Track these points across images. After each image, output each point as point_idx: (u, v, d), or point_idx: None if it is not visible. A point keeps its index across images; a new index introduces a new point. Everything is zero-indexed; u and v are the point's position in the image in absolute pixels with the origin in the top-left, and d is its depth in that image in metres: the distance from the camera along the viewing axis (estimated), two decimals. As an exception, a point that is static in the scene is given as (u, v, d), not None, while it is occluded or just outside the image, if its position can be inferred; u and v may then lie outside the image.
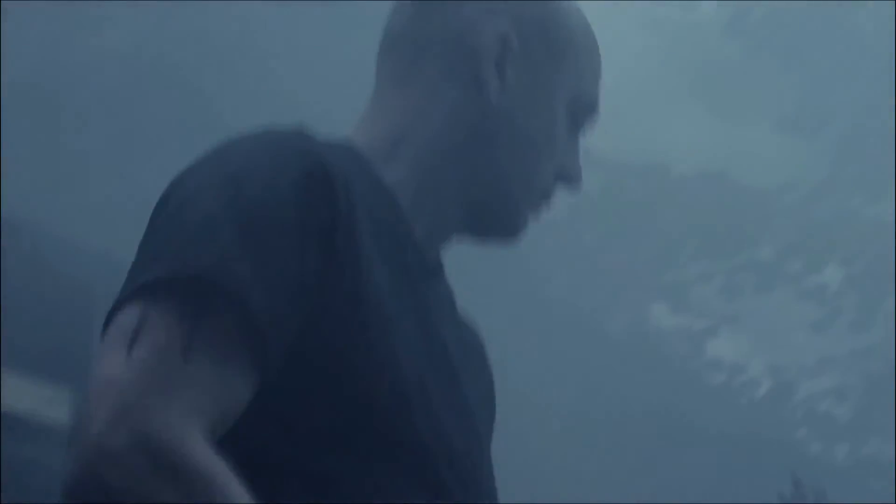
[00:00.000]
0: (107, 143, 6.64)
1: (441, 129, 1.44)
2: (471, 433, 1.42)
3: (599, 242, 10.79)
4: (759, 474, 8.91)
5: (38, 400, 5.49)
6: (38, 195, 5.97)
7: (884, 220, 11.49)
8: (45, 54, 6.45)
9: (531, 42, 1.45)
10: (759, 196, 11.25)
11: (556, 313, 9.65)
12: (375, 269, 1.35)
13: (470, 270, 9.11)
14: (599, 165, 11.22)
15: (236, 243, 1.25)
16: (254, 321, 1.24)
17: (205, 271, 1.24)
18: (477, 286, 9.30)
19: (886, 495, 9.86)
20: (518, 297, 9.42)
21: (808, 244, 11.32)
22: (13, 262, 5.61)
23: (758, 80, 11.81)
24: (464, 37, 1.44)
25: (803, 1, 12.06)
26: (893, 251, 11.22)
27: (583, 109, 1.49)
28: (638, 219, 10.98)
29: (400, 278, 1.40)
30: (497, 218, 1.49)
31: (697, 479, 9.36)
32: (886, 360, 11.41)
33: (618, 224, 10.92)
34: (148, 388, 1.21)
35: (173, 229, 1.28)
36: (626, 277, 10.66)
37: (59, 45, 6.52)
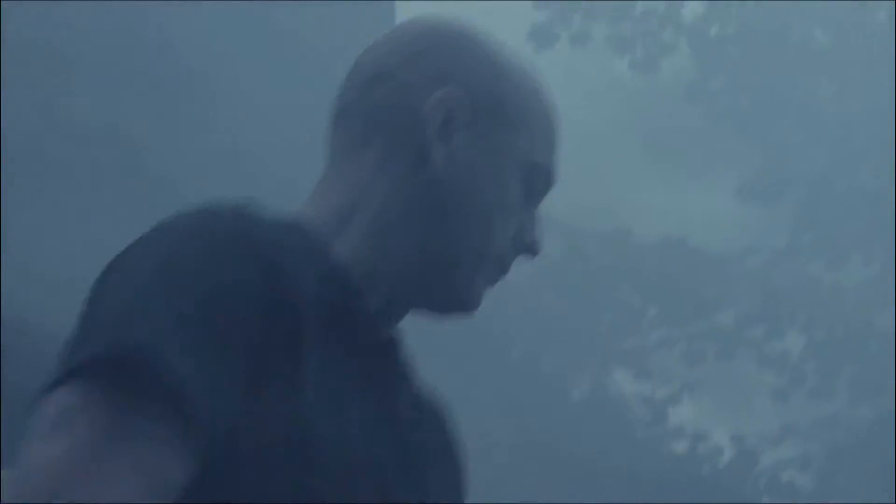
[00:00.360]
0: (110, 236, 6.58)
1: (388, 202, 1.40)
2: None
3: (561, 308, 10.79)
4: (724, 540, 8.82)
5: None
6: (40, 295, 5.92)
7: (843, 287, 11.54)
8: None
9: (481, 108, 1.41)
10: (719, 262, 11.29)
11: (519, 377, 9.59)
12: (318, 352, 1.32)
13: (433, 333, 9.07)
14: (561, 231, 11.25)
15: (167, 326, 1.22)
16: (186, 405, 1.19)
17: (134, 353, 1.20)
18: (441, 349, 9.28)
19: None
20: (481, 360, 9.36)
21: (769, 310, 11.33)
22: (15, 360, 5.54)
23: (717, 147, 11.89)
24: (409, 105, 1.40)
25: (762, 71, 12.18)
26: (853, 318, 11.25)
27: (538, 177, 1.43)
28: (599, 284, 10.98)
29: (349, 358, 1.35)
30: (449, 291, 1.44)
31: (662, 546, 9.28)
32: (848, 429, 11.40)
33: (580, 289, 10.93)
34: (72, 476, 1.18)
35: (105, 311, 1.25)
36: (588, 343, 10.63)
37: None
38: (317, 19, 9.39)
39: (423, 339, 9.05)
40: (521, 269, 11.06)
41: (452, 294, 1.42)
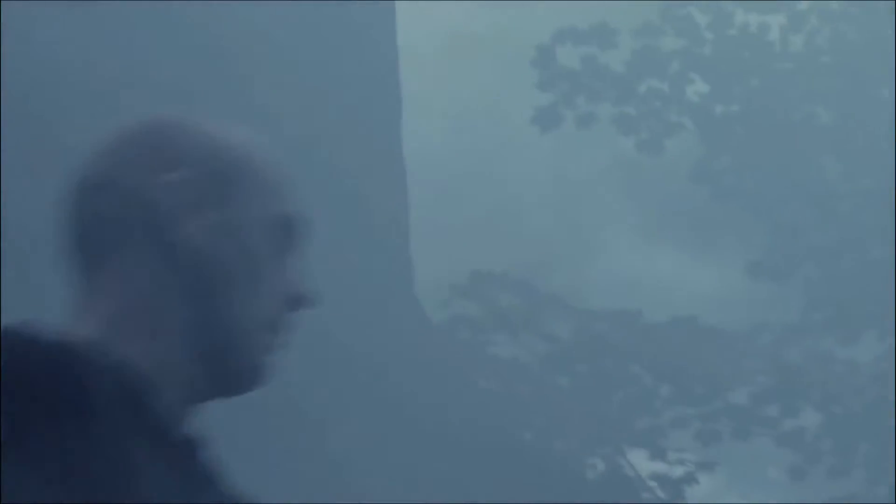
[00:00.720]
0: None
1: (148, 301, 1.39)
2: None
3: (573, 388, 10.71)
4: None
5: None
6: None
7: (858, 362, 11.45)
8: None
9: (206, 186, 1.41)
10: (730, 339, 11.21)
11: (532, 459, 9.48)
12: (113, 462, 1.30)
13: (441, 417, 8.99)
14: (569, 312, 11.20)
15: None
16: None
17: None
18: (451, 434, 9.19)
19: None
20: (491, 444, 9.26)
21: (783, 388, 11.23)
22: None
23: (725, 224, 11.86)
24: (140, 201, 1.40)
25: (767, 149, 12.20)
26: (868, 394, 11.15)
27: (283, 228, 1.43)
28: (610, 364, 10.91)
29: (146, 465, 1.32)
30: (232, 370, 1.43)
31: None
32: (867, 507, 11.25)
33: (590, 370, 10.85)
34: None
35: None
36: (600, 423, 10.54)
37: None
38: (314, 20, 9.42)
39: (435, 424, 8.97)
40: (530, 351, 10.99)
41: (236, 373, 1.41)
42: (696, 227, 11.70)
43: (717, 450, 11.18)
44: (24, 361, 1.27)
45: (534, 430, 10.25)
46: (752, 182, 12.28)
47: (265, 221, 1.41)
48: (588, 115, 12.21)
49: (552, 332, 11.05)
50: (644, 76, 12.36)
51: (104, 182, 1.40)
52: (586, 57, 12.21)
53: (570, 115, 12.16)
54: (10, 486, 1.20)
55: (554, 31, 12.14)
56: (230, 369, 1.39)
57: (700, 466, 11.01)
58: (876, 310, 11.77)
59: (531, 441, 10.07)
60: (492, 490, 8.68)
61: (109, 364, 1.34)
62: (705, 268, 11.36)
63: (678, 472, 10.85)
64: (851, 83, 12.38)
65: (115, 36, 7.55)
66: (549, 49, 12.21)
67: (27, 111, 6.72)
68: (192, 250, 1.37)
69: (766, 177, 12.26)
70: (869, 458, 11.45)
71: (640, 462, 10.74)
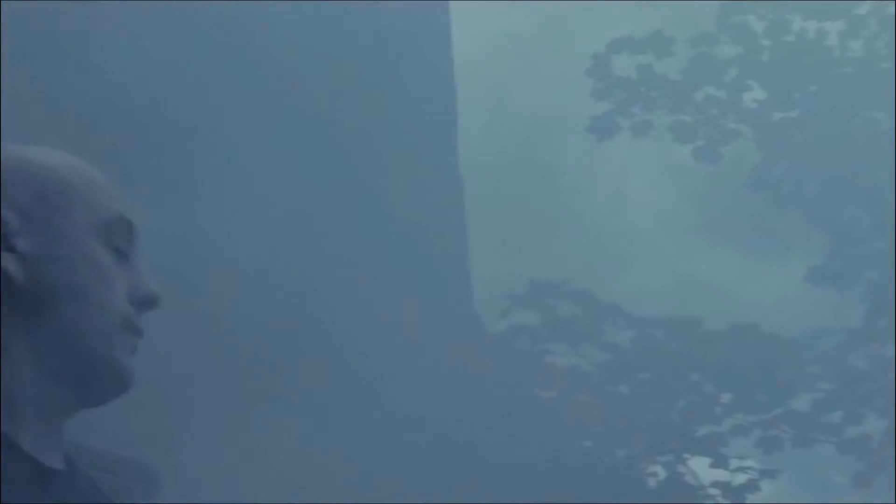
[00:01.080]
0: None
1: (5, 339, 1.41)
2: None
3: (633, 397, 10.67)
4: None
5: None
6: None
7: (921, 368, 11.31)
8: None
9: (27, 205, 1.42)
10: (791, 346, 11.13)
11: (593, 467, 9.47)
12: None
13: (510, 421, 8.97)
14: (628, 320, 11.16)
15: None
16: None
17: None
18: (515, 440, 9.19)
19: None
20: (554, 451, 9.26)
21: (846, 394, 11.13)
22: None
23: (784, 231, 11.78)
24: None
25: (826, 155, 12.11)
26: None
27: (114, 232, 1.45)
28: (670, 372, 10.86)
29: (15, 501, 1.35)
30: (90, 378, 1.43)
31: None
32: (933, 514, 11.12)
33: (650, 378, 10.81)
34: None
35: None
36: (661, 431, 10.49)
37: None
38: (370, 20, 9.45)
39: (495, 434, 8.97)
40: (590, 359, 10.97)
41: (98, 379, 1.42)
42: (755, 234, 11.61)
43: (779, 457, 11.10)
44: None
45: (594, 439, 10.23)
46: (812, 188, 12.20)
47: (94, 228, 1.43)
48: (644, 124, 12.20)
49: (612, 341, 11.02)
50: (701, 84, 12.33)
51: None
52: (642, 65, 12.20)
53: (626, 123, 12.16)
54: None
55: (609, 40, 12.15)
56: (91, 377, 1.41)
57: (762, 474, 10.95)
58: (939, 315, 11.64)
59: (592, 449, 10.06)
60: (554, 498, 8.67)
61: None
62: (765, 274, 11.29)
63: (740, 479, 10.79)
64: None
65: (168, 44, 7.62)
66: (605, 58, 12.22)
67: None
68: (28, 274, 1.39)
69: (826, 183, 12.17)
70: (934, 464, 11.32)
71: (702, 470, 10.69)
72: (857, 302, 11.70)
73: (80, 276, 1.42)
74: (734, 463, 10.80)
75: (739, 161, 12.09)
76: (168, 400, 6.80)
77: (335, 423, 7.83)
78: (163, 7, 7.52)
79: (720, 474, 10.74)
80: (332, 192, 8.64)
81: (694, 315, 11.13)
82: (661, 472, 10.37)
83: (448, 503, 7.89)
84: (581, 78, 12.26)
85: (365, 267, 8.69)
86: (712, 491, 10.68)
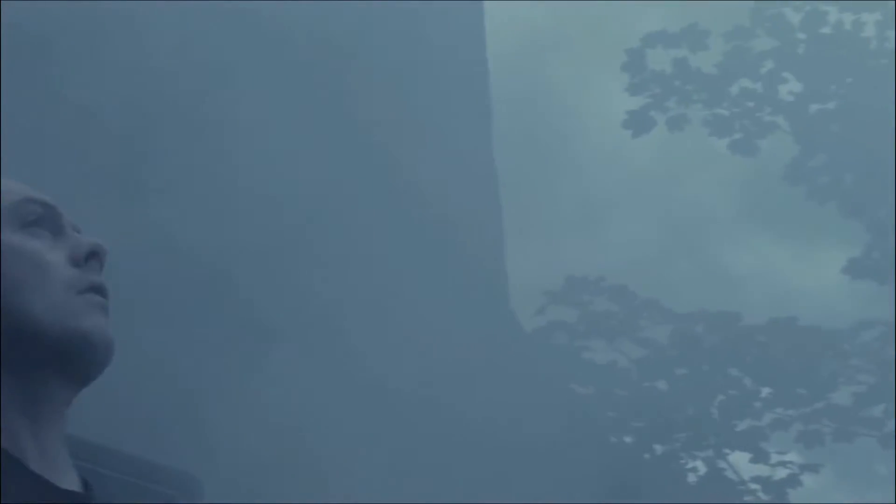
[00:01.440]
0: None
1: None
2: None
3: (672, 392, 10.64)
4: None
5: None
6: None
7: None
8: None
9: None
10: (832, 338, 11.06)
11: (631, 462, 9.43)
12: None
13: (547, 417, 8.95)
14: (666, 315, 11.13)
15: None
16: None
17: None
18: (553, 436, 9.16)
19: None
20: (592, 447, 9.22)
21: (887, 386, 11.05)
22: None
23: (821, 223, 11.71)
24: None
25: (863, 147, 12.03)
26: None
27: (23, 212, 1.45)
28: (709, 367, 10.82)
29: None
30: (65, 354, 1.42)
31: None
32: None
33: (690, 374, 10.77)
34: None
35: None
36: (701, 426, 10.45)
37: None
38: (405, 20, 9.46)
39: (532, 431, 8.95)
40: (627, 355, 10.93)
41: (71, 354, 1.41)
42: (792, 227, 11.54)
43: (821, 451, 11.03)
44: None
45: (634, 434, 10.20)
46: (849, 180, 12.12)
47: (7, 213, 1.44)
48: (680, 118, 12.17)
49: (649, 337, 10.99)
50: (736, 77, 12.28)
51: None
52: (677, 59, 12.17)
53: (661, 118, 12.13)
54: None
55: (643, 34, 12.12)
56: (61, 354, 1.40)
57: (803, 468, 10.88)
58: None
59: (631, 445, 10.03)
60: (593, 494, 8.64)
61: None
62: (803, 267, 11.19)
63: (781, 474, 10.73)
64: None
65: (203, 44, 7.64)
66: (639, 53, 12.19)
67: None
68: None
69: (863, 175, 12.09)
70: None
71: (742, 464, 10.64)
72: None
73: (5, 267, 1.41)
74: (775, 457, 10.74)
75: (776, 154, 12.02)
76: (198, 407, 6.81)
77: (373, 421, 7.83)
78: (197, 6, 7.54)
79: (761, 469, 10.69)
80: (368, 190, 8.65)
81: (732, 310, 11.09)
82: (701, 468, 10.32)
83: (485, 502, 7.88)
84: (616, 73, 12.23)
85: (401, 265, 8.69)
86: (753, 486, 10.62)
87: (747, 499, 10.34)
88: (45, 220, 1.47)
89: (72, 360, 1.42)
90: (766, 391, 11.01)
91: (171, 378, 6.40)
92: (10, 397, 1.40)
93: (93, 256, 1.46)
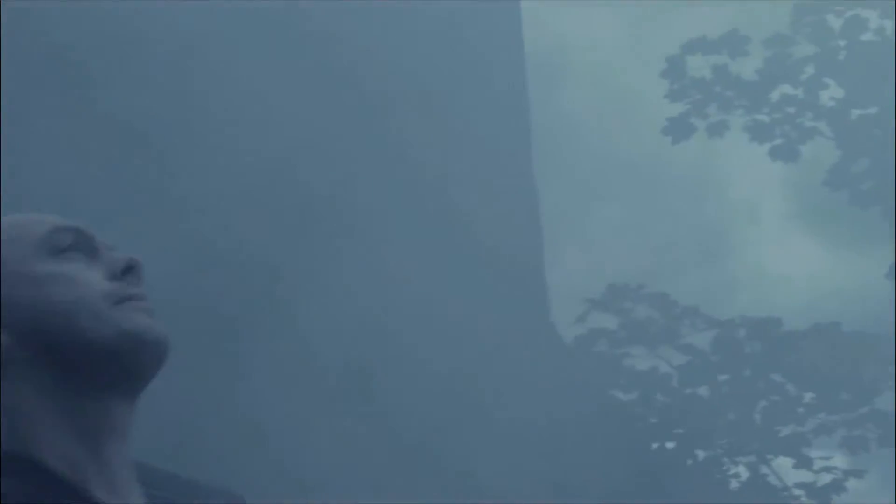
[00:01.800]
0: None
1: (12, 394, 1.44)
2: None
3: (714, 398, 10.64)
4: None
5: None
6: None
7: None
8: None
9: None
10: (874, 343, 11.03)
11: (674, 468, 9.44)
12: None
13: (589, 425, 8.99)
14: (707, 322, 11.13)
15: None
16: None
17: None
18: (596, 443, 9.20)
19: None
20: (635, 454, 9.25)
21: (931, 392, 11.01)
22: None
23: (863, 227, 11.68)
24: None
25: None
26: None
27: (57, 241, 1.50)
28: (751, 373, 10.82)
29: None
30: (131, 354, 1.45)
31: None
32: None
33: (732, 380, 10.78)
34: None
35: None
36: (743, 431, 10.45)
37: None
38: (441, 22, 9.49)
39: (575, 438, 8.98)
40: (670, 360, 10.95)
41: (134, 358, 1.45)
42: (835, 231, 11.52)
43: (865, 456, 11.01)
44: None
45: (675, 440, 10.21)
46: (891, 185, 12.09)
47: (35, 253, 1.49)
48: (720, 124, 12.18)
49: (690, 343, 11.00)
50: (777, 83, 12.28)
51: None
52: (717, 66, 12.18)
53: (701, 124, 12.15)
54: None
55: (683, 41, 12.15)
56: (118, 354, 1.44)
57: (848, 474, 10.86)
58: None
59: (673, 451, 10.04)
60: (636, 499, 8.67)
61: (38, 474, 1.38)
62: (846, 272, 11.17)
63: (825, 479, 10.72)
64: None
65: (246, 59, 7.70)
66: (679, 59, 12.21)
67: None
68: (7, 339, 1.44)
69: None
70: None
71: (785, 470, 10.63)
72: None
73: (45, 295, 1.47)
74: (818, 463, 10.73)
75: (818, 159, 12.01)
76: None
77: (418, 429, 7.88)
78: (241, 24, 7.61)
79: (804, 475, 10.68)
80: (406, 203, 8.70)
81: (774, 315, 11.08)
82: (744, 473, 10.32)
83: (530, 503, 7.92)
84: (655, 79, 12.26)
85: (441, 278, 8.74)
86: (797, 492, 10.61)
87: (792, 505, 10.34)
88: (77, 245, 1.52)
89: (126, 364, 1.46)
90: (808, 396, 11.00)
91: (228, 400, 6.47)
92: (68, 424, 1.44)
93: (129, 270, 1.50)
